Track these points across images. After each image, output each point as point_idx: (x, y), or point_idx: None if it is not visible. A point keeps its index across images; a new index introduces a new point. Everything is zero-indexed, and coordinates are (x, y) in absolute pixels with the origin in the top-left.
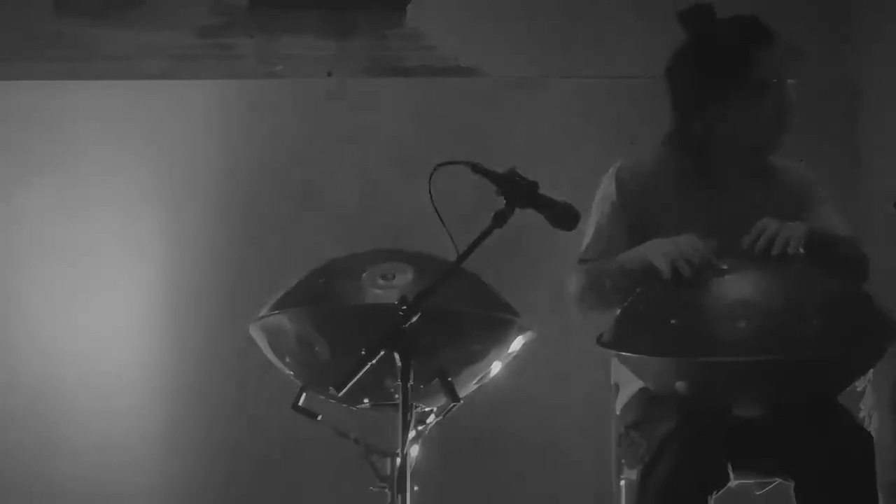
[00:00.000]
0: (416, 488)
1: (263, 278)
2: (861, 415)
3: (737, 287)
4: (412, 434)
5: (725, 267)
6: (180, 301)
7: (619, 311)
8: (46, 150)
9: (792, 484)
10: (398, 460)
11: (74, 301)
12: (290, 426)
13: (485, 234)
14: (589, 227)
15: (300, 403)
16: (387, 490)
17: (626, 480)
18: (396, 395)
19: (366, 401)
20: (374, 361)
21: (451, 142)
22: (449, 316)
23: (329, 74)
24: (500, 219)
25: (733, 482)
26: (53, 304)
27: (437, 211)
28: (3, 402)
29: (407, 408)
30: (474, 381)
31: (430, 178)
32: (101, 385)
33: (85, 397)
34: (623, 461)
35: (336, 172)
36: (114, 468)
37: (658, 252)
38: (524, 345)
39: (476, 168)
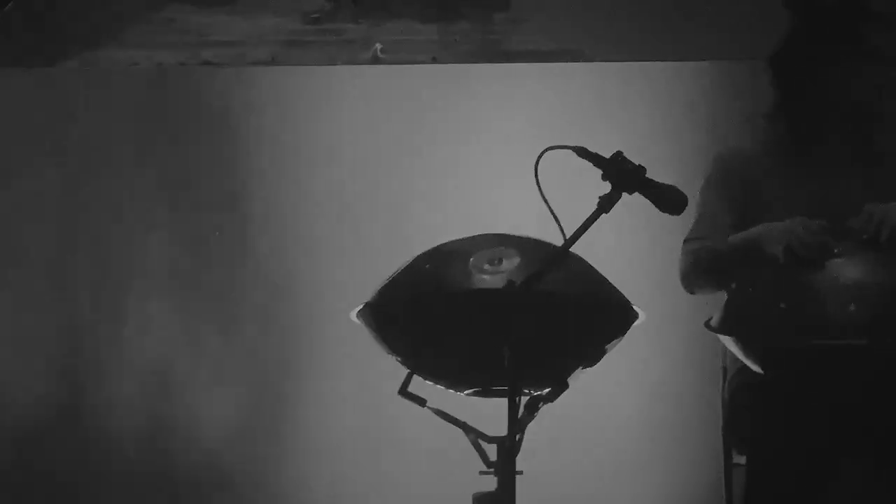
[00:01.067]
0: (522, 473)
1: (367, 264)
2: None
3: (847, 270)
4: (520, 419)
5: (837, 250)
6: (289, 288)
7: (727, 295)
8: (157, 138)
9: None
10: (506, 445)
11: (186, 286)
12: (397, 413)
13: (591, 219)
14: (696, 209)
15: (408, 389)
16: (495, 475)
17: (735, 466)
18: (504, 381)
19: (474, 386)
20: (480, 347)
21: (555, 128)
22: (557, 300)
23: (434, 60)
24: (606, 203)
25: (843, 468)
26: (168, 288)
27: (543, 195)
28: (118, 387)
29: (515, 393)
30: (582, 366)
31: (537, 163)
32: (212, 371)
33: (196, 383)
34: (732, 446)
35: (439, 159)
36: (221, 454)
37: (770, 237)
38: (633, 328)
39: (582, 152)
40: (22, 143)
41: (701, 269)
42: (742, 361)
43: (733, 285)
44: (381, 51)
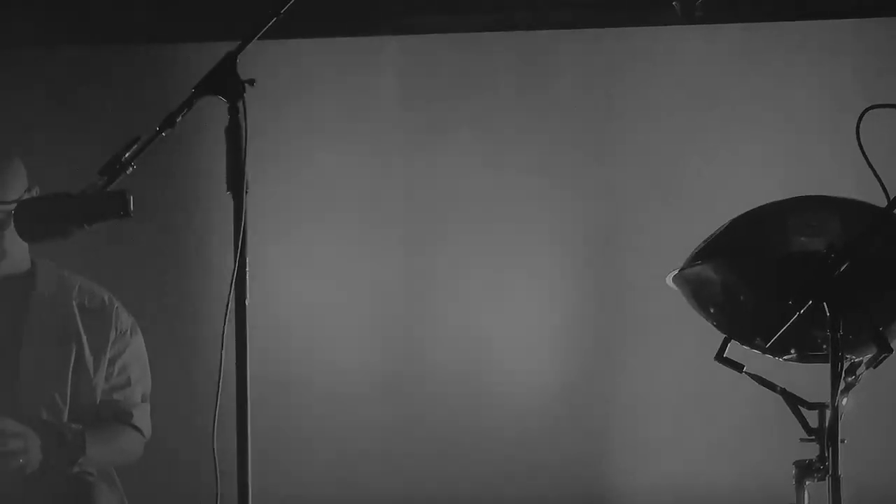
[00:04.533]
0: (845, 441)
1: (682, 228)
2: None
3: None
4: (842, 385)
5: None
6: (596, 253)
7: None
8: (459, 104)
9: None
10: (828, 413)
11: (490, 252)
12: (709, 379)
13: None
14: None
15: (724, 355)
16: (816, 443)
17: None
18: (825, 346)
19: (793, 352)
20: (801, 312)
21: (873, 86)
22: (881, 263)
23: (744, 19)
24: None
25: None
26: (471, 253)
27: (865, 155)
28: (431, 356)
29: (837, 359)
30: None
31: (859, 122)
32: (518, 340)
33: (505, 350)
34: None
35: (749, 119)
36: (535, 424)
37: None
38: None
39: None
40: (330, 109)
41: None
42: None
43: None
44: (682, 10)
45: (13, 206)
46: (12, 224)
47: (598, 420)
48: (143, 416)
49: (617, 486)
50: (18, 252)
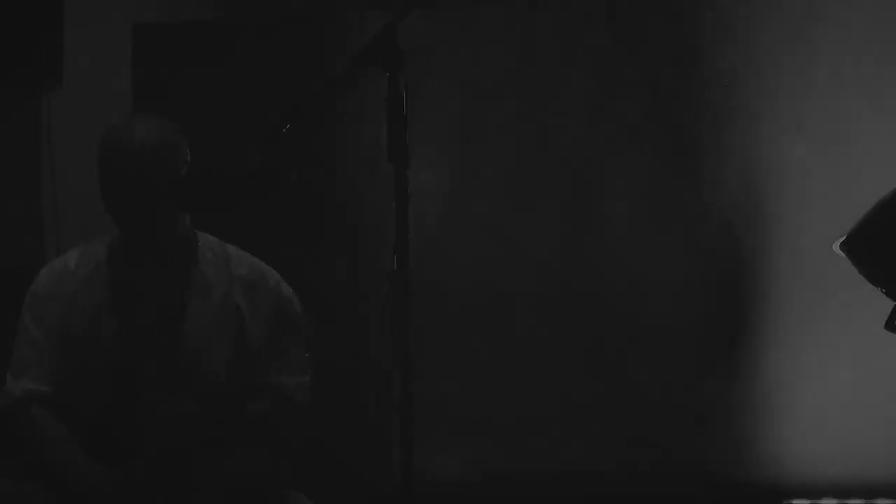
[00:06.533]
0: None
1: (849, 193)
2: None
3: None
4: None
5: None
6: (762, 221)
7: None
8: (617, 70)
9: None
10: None
11: (643, 216)
12: (884, 347)
13: None
14: None
15: (894, 322)
16: None
17: None
18: None
19: None
20: None
21: None
22: None
23: None
24: None
25: None
26: (627, 209)
27: None
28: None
29: None
30: None
31: None
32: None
33: (662, 303)
34: None
35: None
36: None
37: None
38: None
39: None
40: (486, 72)
41: None
42: None
43: None
44: None
45: (177, 176)
46: (173, 195)
47: (769, 390)
48: (302, 390)
49: (791, 453)
50: (179, 224)
